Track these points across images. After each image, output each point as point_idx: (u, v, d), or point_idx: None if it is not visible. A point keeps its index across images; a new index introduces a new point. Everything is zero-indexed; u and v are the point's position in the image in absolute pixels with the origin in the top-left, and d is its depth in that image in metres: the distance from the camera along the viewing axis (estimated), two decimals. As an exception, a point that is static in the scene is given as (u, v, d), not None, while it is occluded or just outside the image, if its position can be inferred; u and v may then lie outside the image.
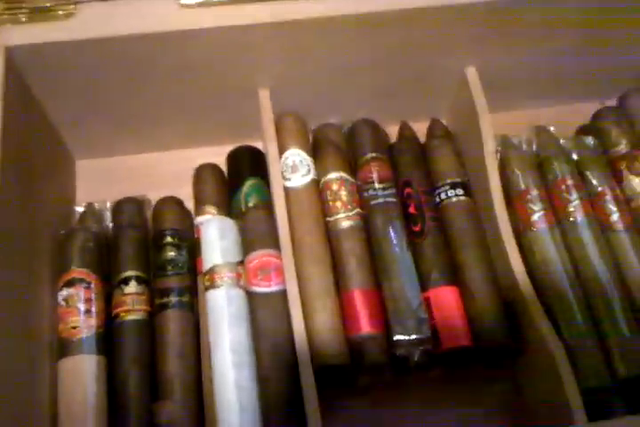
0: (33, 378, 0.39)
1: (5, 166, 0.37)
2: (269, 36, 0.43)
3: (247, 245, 0.45)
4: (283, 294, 0.42)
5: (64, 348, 0.41)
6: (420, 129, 0.53)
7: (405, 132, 0.52)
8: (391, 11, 0.42)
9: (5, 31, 0.40)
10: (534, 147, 0.51)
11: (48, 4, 0.41)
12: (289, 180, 0.47)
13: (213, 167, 0.50)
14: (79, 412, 0.38)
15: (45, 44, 0.40)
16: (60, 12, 0.41)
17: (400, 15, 0.43)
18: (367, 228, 0.47)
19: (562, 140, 0.51)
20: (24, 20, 0.41)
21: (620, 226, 0.47)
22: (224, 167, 0.51)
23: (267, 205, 0.46)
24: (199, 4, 0.42)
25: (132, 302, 0.43)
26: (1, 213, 0.36)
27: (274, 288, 0.43)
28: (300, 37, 0.44)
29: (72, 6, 0.41)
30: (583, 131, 0.53)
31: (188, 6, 0.42)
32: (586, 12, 0.46)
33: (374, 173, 0.48)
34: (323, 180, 0.48)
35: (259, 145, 0.51)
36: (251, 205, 0.47)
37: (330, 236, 0.46)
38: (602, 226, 0.47)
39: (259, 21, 0.42)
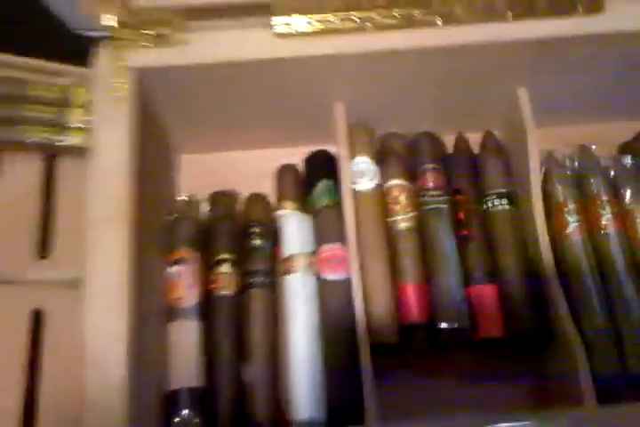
0: (150, 339, 0.48)
1: (132, 168, 0.47)
2: (348, 63, 0.50)
3: (319, 239, 0.53)
4: (347, 282, 0.50)
5: (171, 314, 0.50)
6: (476, 139, 0.60)
7: (460, 144, 0.59)
8: (454, 45, 0.49)
9: (134, 55, 0.49)
10: (576, 163, 0.56)
11: (168, 32, 0.49)
12: (357, 183, 0.55)
13: (293, 168, 0.58)
14: (184, 363, 0.48)
15: (165, 67, 0.49)
16: (177, 40, 0.49)
17: (462, 49, 0.49)
18: (421, 229, 0.54)
19: (602, 159, 0.57)
20: (147, 45, 0.49)
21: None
22: (301, 168, 0.59)
23: (337, 204, 0.54)
24: (291, 35, 0.49)
25: (225, 280, 0.51)
26: (135, 206, 0.46)
27: (340, 276, 0.51)
28: (374, 65, 0.51)
29: (187, 35, 0.49)
30: (623, 150, 0.59)
31: (282, 36, 0.50)
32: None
33: (430, 182, 0.55)
34: (385, 185, 0.56)
35: (332, 149, 0.58)
36: (323, 203, 0.55)
37: (389, 234, 0.54)
38: (630, 240, 0.53)
39: (341, 52, 0.49)
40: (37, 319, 0.56)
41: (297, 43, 0.49)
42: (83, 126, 0.60)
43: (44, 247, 0.59)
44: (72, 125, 0.60)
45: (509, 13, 0.48)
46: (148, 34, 0.49)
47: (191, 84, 0.51)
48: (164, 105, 0.53)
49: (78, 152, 0.61)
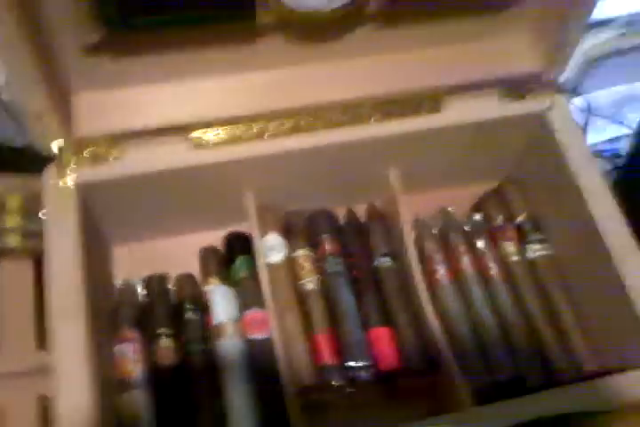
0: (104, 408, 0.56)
1: (81, 265, 0.55)
2: (253, 163, 0.61)
3: (242, 305, 0.64)
4: (269, 339, 0.60)
5: (121, 386, 0.58)
6: (363, 209, 0.73)
7: (349, 216, 0.72)
8: (332, 143, 0.61)
9: (76, 173, 0.58)
10: (439, 222, 0.71)
11: (102, 151, 0.59)
12: (269, 256, 0.66)
13: (213, 248, 0.68)
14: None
15: (101, 181, 0.58)
16: (111, 157, 0.59)
17: (338, 145, 0.62)
18: (325, 288, 0.66)
19: (459, 218, 0.72)
20: (86, 164, 0.58)
21: (497, 278, 0.67)
22: (221, 247, 0.69)
23: (254, 275, 0.64)
24: (205, 146, 0.60)
25: (166, 352, 0.60)
26: (89, 295, 0.54)
27: (263, 335, 0.61)
28: (274, 163, 0.62)
29: (118, 152, 0.59)
30: (475, 208, 0.74)
31: (197, 147, 0.60)
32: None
33: (327, 248, 0.67)
34: (293, 255, 0.67)
35: (246, 228, 0.68)
36: (243, 275, 0.65)
37: (300, 295, 0.65)
38: (485, 278, 0.67)
39: (245, 156, 0.60)
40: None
41: (210, 151, 0.60)
42: (17, 230, 0.68)
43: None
44: (7, 230, 0.68)
45: (372, 118, 0.62)
46: (86, 154, 0.58)
47: (124, 191, 0.61)
48: (103, 209, 0.62)
49: (16, 254, 0.69)
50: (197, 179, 0.62)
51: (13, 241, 0.68)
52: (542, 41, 0.61)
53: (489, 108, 0.64)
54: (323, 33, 0.57)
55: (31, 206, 0.67)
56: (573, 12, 0.57)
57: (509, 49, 0.63)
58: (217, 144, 0.60)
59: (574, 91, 0.92)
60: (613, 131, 0.94)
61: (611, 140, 0.94)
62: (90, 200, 0.60)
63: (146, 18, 0.49)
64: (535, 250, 0.69)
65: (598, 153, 0.92)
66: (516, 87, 0.64)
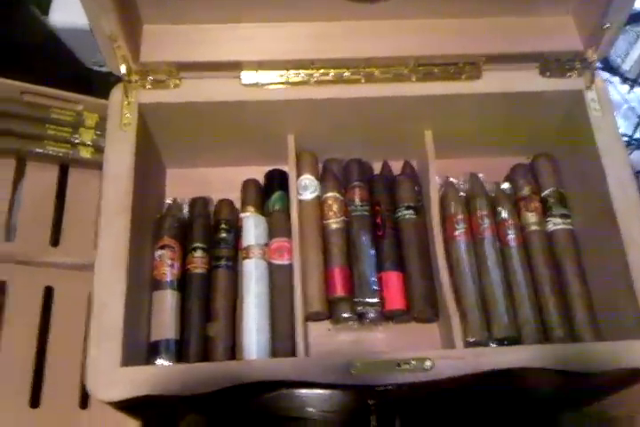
0: (141, 302, 0.64)
1: (133, 176, 0.63)
2: (297, 107, 0.67)
3: (271, 234, 0.70)
4: (291, 266, 0.67)
5: (156, 285, 0.66)
6: (399, 165, 0.78)
7: (384, 168, 0.77)
8: (373, 97, 0.66)
9: (138, 94, 0.66)
10: (467, 186, 0.75)
11: (164, 78, 0.66)
12: (301, 195, 0.72)
13: (255, 181, 0.75)
14: (165, 322, 0.65)
15: (161, 104, 0.66)
16: (171, 84, 0.66)
17: (379, 100, 0.67)
18: (349, 229, 0.72)
19: (487, 184, 0.75)
20: (149, 87, 0.66)
21: (514, 244, 0.70)
22: (261, 182, 0.76)
23: (286, 209, 0.71)
24: (254, 85, 0.67)
25: (198, 262, 0.68)
26: (135, 204, 0.62)
27: (285, 262, 0.68)
28: (316, 108, 0.68)
29: (178, 81, 0.66)
30: (505, 178, 0.77)
31: (247, 85, 0.66)
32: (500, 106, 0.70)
33: (356, 194, 0.73)
34: (323, 196, 0.73)
35: (285, 168, 0.74)
36: (276, 208, 0.72)
37: (325, 233, 0.72)
38: (501, 243, 0.71)
39: (291, 98, 0.66)
40: (49, 295, 0.71)
41: (258, 90, 0.66)
42: (92, 144, 0.78)
43: (56, 238, 0.75)
44: (83, 143, 0.77)
45: (414, 76, 0.67)
46: (149, 79, 0.66)
47: (180, 116, 0.68)
48: (159, 131, 0.70)
49: (87, 165, 0.78)
50: (244, 114, 0.68)
51: (86, 153, 0.77)
52: (586, 20, 0.64)
53: (528, 80, 0.68)
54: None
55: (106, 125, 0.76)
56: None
57: (554, 25, 0.66)
58: (265, 84, 0.66)
59: (637, 81, 0.92)
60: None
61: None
62: (148, 120, 0.67)
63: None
64: (556, 223, 0.72)
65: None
66: (557, 63, 0.67)
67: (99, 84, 0.82)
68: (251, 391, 0.57)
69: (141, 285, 0.65)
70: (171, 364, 0.63)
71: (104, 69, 0.89)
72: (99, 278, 0.58)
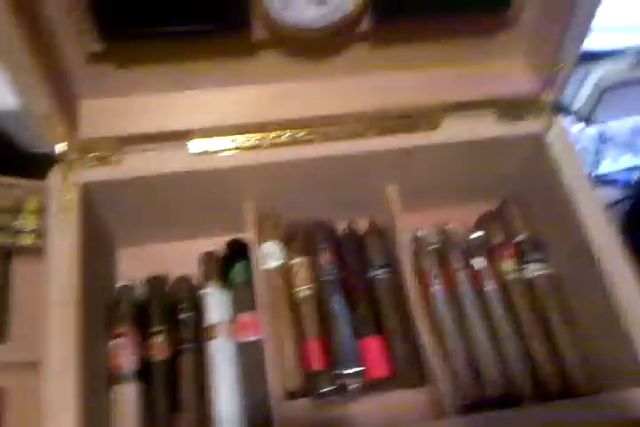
0: (99, 402, 0.58)
1: (80, 263, 0.58)
2: (252, 172, 0.64)
3: (236, 309, 0.66)
4: (260, 343, 0.61)
5: (114, 379, 0.60)
6: (364, 223, 0.74)
7: (349, 228, 0.74)
8: (329, 155, 0.64)
9: (79, 173, 0.61)
10: (436, 238, 0.72)
11: (106, 154, 0.62)
12: (266, 263, 0.68)
13: (213, 254, 0.71)
14: (127, 419, 0.58)
15: (104, 182, 0.61)
16: (114, 160, 0.62)
17: (335, 158, 0.64)
18: (319, 296, 0.67)
19: (457, 234, 0.72)
20: (90, 165, 0.62)
21: (493, 295, 0.67)
22: (221, 253, 0.72)
23: (250, 280, 0.65)
24: (205, 153, 0.63)
25: (159, 348, 0.62)
26: (82, 293, 0.57)
27: (252, 338, 0.63)
28: (273, 172, 0.64)
29: (121, 155, 0.62)
30: (475, 226, 0.75)
31: (197, 154, 0.63)
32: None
33: (324, 258, 0.69)
34: (290, 262, 0.69)
35: (246, 235, 0.70)
36: (239, 280, 0.67)
37: (293, 302, 0.67)
38: (480, 295, 0.67)
39: (244, 164, 0.63)
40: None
41: (209, 158, 0.63)
42: (34, 230, 0.72)
43: (1, 334, 0.68)
44: (25, 229, 0.72)
45: (370, 132, 0.65)
46: (90, 156, 0.61)
47: (126, 193, 0.64)
48: (105, 211, 0.66)
49: (31, 252, 0.72)
50: (197, 184, 0.64)
51: (28, 240, 0.72)
52: (539, 63, 0.63)
53: (486, 127, 0.66)
54: (318, 49, 0.60)
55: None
56: (568, 34, 0.59)
57: (507, 70, 0.65)
58: (216, 152, 0.63)
59: (588, 120, 0.93)
60: (627, 161, 0.94)
61: (625, 170, 0.94)
62: (92, 200, 0.63)
63: (136, 29, 0.52)
64: (534, 270, 0.69)
65: (611, 182, 0.92)
66: (513, 108, 0.65)
67: (38, 165, 0.77)
68: None
69: (98, 381, 0.59)
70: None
71: (43, 150, 0.85)
72: (47, 383, 0.52)
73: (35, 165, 0.82)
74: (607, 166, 0.94)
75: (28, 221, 0.73)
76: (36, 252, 0.70)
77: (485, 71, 0.64)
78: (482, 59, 0.64)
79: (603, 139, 0.94)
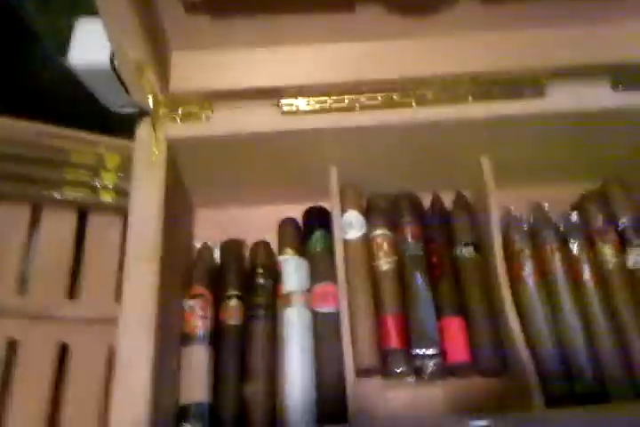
0: (169, 361, 0.56)
1: (161, 219, 0.56)
2: (340, 136, 0.61)
3: (314, 278, 0.63)
4: (336, 314, 0.59)
5: (187, 340, 0.58)
6: (449, 196, 0.70)
7: (435, 202, 0.69)
8: (425, 122, 0.60)
9: (167, 128, 0.59)
10: (531, 218, 0.67)
11: (195, 110, 0.61)
12: (346, 233, 0.65)
13: (293, 220, 0.68)
14: (196, 382, 0.57)
15: (191, 139, 0.59)
16: (203, 116, 0.60)
17: (431, 125, 0.60)
18: (401, 271, 0.64)
19: (552, 214, 0.67)
20: (179, 120, 0.60)
21: (590, 284, 0.61)
22: (300, 220, 0.69)
23: (330, 250, 0.63)
24: (294, 113, 0.60)
25: (232, 312, 0.60)
26: (164, 250, 0.55)
27: (330, 309, 0.60)
28: (361, 137, 0.61)
29: (210, 112, 0.60)
30: (573, 207, 0.69)
31: (286, 113, 0.60)
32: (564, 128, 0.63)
33: (408, 232, 0.65)
34: (371, 235, 0.66)
35: (326, 205, 0.68)
36: (318, 249, 0.65)
37: (374, 275, 0.64)
38: (575, 283, 0.62)
39: (334, 126, 0.60)
40: (63, 351, 0.65)
41: (299, 119, 0.60)
42: (113, 187, 0.71)
43: (73, 290, 0.69)
44: (104, 186, 0.71)
45: (470, 97, 0.60)
46: (178, 112, 0.60)
47: (212, 152, 0.62)
48: (188, 169, 0.64)
49: (108, 210, 0.72)
50: (283, 146, 0.62)
51: (108, 197, 0.71)
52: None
53: (599, 96, 0.60)
54: (420, 6, 0.56)
55: (128, 167, 0.70)
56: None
57: (626, 34, 0.59)
58: (306, 112, 0.60)
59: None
60: None
61: None
62: (178, 156, 0.61)
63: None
64: (637, 257, 0.63)
65: None
66: (631, 76, 0.59)
67: (120, 125, 0.77)
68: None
69: (170, 340, 0.57)
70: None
71: (126, 110, 0.84)
72: (124, 336, 0.51)
73: (119, 125, 0.82)
74: None
75: (107, 179, 0.72)
76: (113, 211, 0.71)
77: (603, 33, 0.58)
78: (600, 19, 0.58)
79: None
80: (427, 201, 0.70)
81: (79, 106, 0.85)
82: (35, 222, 0.72)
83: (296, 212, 0.70)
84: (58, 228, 0.72)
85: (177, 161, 0.62)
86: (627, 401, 0.56)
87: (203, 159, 0.63)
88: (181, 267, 0.63)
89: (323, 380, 0.58)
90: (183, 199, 0.68)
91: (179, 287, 0.61)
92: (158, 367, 0.51)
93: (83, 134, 0.72)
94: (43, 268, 0.69)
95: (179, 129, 0.60)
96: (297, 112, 0.60)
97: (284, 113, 0.60)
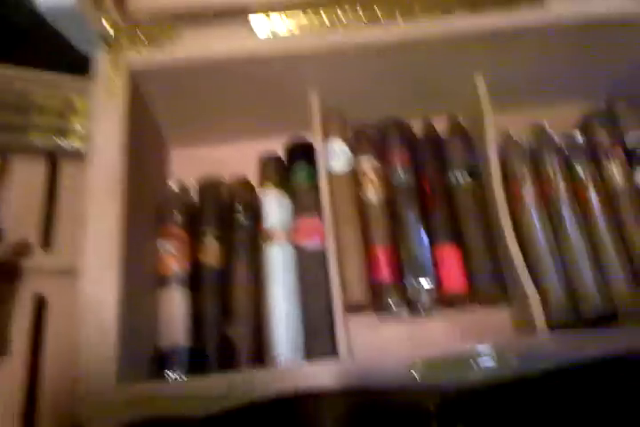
0: (143, 303, 0.53)
1: (124, 152, 0.52)
2: (320, 58, 0.56)
3: (298, 212, 0.58)
4: (323, 249, 0.54)
5: (162, 282, 0.55)
6: (442, 122, 0.65)
7: (427, 127, 0.64)
8: (412, 38, 0.54)
9: (129, 56, 0.55)
10: (531, 140, 0.61)
11: (157, 33, 0.55)
12: (332, 164, 0.60)
13: (274, 154, 0.63)
14: (174, 326, 0.53)
15: (155, 66, 0.55)
16: (166, 39, 0.54)
17: (419, 42, 0.55)
18: (391, 201, 0.59)
19: (554, 135, 0.62)
20: (140, 46, 0.55)
21: (596, 206, 0.57)
22: (282, 154, 0.64)
23: (314, 182, 0.58)
24: (268, 33, 0.55)
25: (211, 251, 0.56)
26: (129, 188, 0.51)
27: (316, 244, 0.56)
28: (343, 58, 0.56)
29: (174, 35, 0.54)
30: (577, 128, 0.64)
31: (259, 34, 0.55)
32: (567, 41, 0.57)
33: (398, 160, 0.60)
34: (358, 164, 0.61)
35: (309, 136, 0.62)
36: (302, 182, 0.60)
37: (361, 206, 0.59)
38: (580, 203, 0.57)
39: (313, 47, 0.55)
40: (40, 303, 0.61)
41: (274, 40, 0.55)
42: (84, 132, 0.67)
43: (46, 239, 0.64)
44: (74, 131, 0.66)
45: (461, 7, 0.54)
46: (140, 36, 0.55)
47: (179, 80, 0.57)
48: (155, 102, 0.59)
49: (79, 155, 0.67)
50: (258, 71, 0.56)
51: (78, 142, 0.67)
52: None
53: (606, 1, 0.54)
54: None
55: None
56: None
57: None
58: (280, 32, 0.55)
59: None
60: None
61: None
62: (143, 86, 0.56)
63: None
64: (647, 174, 0.58)
65: None
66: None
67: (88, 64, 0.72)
68: (287, 405, 0.44)
69: (143, 283, 0.53)
70: (183, 377, 0.51)
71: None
72: (87, 278, 0.47)
73: (86, 61, 0.77)
74: None
75: (77, 123, 0.67)
76: (84, 156, 0.66)
77: None
78: None
79: None
80: (418, 129, 0.65)
81: (52, 50, 0.81)
82: (3, 171, 0.68)
83: (277, 146, 0.65)
84: (28, 176, 0.67)
85: (142, 92, 0.57)
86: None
87: (170, 90, 0.58)
88: (154, 207, 0.59)
89: (311, 318, 0.54)
90: (154, 136, 0.63)
91: (152, 228, 0.57)
92: (127, 308, 0.47)
93: (48, 76, 0.67)
94: (14, 218, 0.65)
95: (141, 56, 0.55)
96: (270, 33, 0.55)
97: (256, 34, 0.55)
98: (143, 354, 0.52)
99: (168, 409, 0.43)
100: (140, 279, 0.52)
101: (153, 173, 0.62)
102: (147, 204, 0.57)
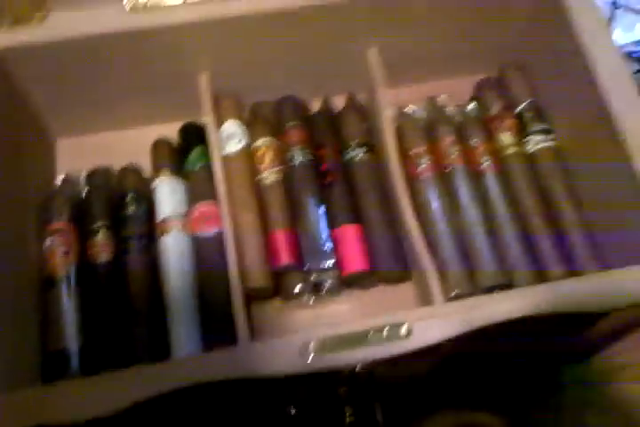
0: (26, 307, 0.51)
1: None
2: (203, 32, 0.53)
3: (192, 198, 0.56)
4: (221, 236, 0.53)
5: (49, 283, 0.52)
6: (339, 102, 0.63)
7: (323, 105, 0.63)
8: (294, 7, 0.53)
9: None
10: (425, 113, 0.62)
11: (26, 12, 0.52)
12: (226, 146, 0.58)
13: (165, 140, 0.61)
14: (63, 327, 0.50)
15: (26, 47, 0.51)
16: (36, 18, 0.51)
17: (302, 11, 0.53)
18: (288, 182, 0.58)
19: (449, 107, 0.62)
20: (7, 26, 0.51)
21: (490, 173, 0.57)
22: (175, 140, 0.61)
23: (208, 167, 0.56)
24: (143, 7, 0.52)
25: (101, 246, 0.53)
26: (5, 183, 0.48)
27: (213, 232, 0.54)
28: (228, 32, 0.54)
29: (44, 13, 0.51)
30: (470, 98, 0.64)
31: (134, 9, 0.52)
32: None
33: (293, 138, 0.59)
34: (253, 145, 0.59)
35: (202, 118, 0.58)
36: (196, 167, 0.58)
37: (259, 189, 0.57)
38: (475, 173, 0.58)
39: (190, 21, 0.52)
40: None
41: (152, 14, 0.52)
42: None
43: None
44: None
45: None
46: (7, 15, 0.51)
47: (53, 63, 0.53)
48: (30, 88, 0.55)
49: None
50: (138, 49, 0.53)
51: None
52: None
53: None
54: None
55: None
56: None
57: None
58: (158, 5, 0.52)
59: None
60: (641, 29, 0.82)
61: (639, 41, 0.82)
62: (13, 69, 0.52)
63: None
64: (537, 142, 0.59)
65: (625, 55, 0.80)
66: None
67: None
68: (185, 399, 0.43)
69: (27, 286, 0.50)
70: (73, 379, 0.49)
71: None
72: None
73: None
74: (620, 36, 0.82)
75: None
76: None
77: None
78: None
79: (615, 2, 0.82)
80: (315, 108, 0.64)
81: None
82: None
83: (170, 130, 0.62)
84: None
85: (13, 76, 0.53)
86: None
87: (45, 73, 0.54)
88: (36, 203, 0.56)
89: (211, 307, 0.52)
90: (33, 127, 0.59)
91: (35, 226, 0.54)
92: (5, 314, 0.45)
93: None
94: None
95: (9, 36, 0.51)
96: (147, 6, 0.52)
97: (132, 9, 0.52)
98: (32, 360, 0.49)
99: (57, 414, 0.41)
100: (24, 282, 0.49)
101: (33, 168, 0.58)
102: (28, 200, 0.54)
